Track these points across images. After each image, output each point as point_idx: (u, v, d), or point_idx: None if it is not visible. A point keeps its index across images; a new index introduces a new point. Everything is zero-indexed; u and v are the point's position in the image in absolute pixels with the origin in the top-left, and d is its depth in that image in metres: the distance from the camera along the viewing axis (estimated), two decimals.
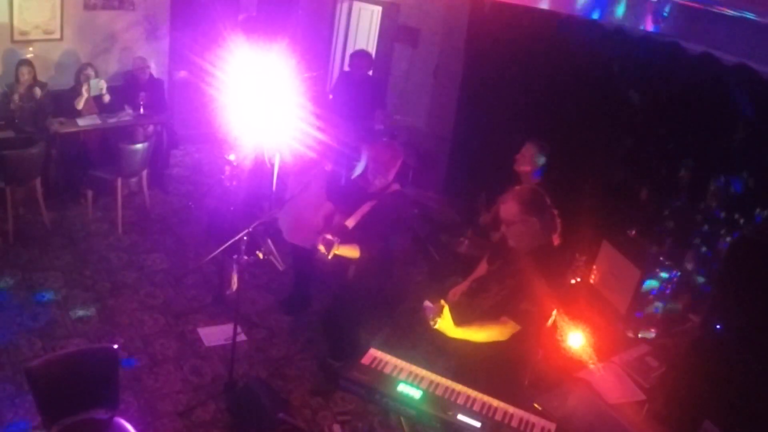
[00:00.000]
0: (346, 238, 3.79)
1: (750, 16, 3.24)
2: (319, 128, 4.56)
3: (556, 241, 3.18)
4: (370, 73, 6.91)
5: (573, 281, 4.05)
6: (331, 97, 6.87)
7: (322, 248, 3.62)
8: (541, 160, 4.39)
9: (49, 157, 5.98)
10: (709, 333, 3.19)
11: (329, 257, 3.62)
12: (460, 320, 3.03)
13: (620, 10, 4.31)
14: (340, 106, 6.23)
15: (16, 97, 6.02)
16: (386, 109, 6.85)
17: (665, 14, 3.90)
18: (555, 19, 4.96)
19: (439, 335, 3.06)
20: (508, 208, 3.08)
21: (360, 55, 6.64)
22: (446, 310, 2.95)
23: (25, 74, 6.03)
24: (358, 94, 6.46)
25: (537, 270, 3.01)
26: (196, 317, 4.97)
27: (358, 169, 4.28)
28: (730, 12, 3.32)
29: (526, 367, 3.36)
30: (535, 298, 3.00)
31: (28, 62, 6.12)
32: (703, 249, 3.92)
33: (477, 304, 3.28)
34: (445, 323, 2.96)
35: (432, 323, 2.96)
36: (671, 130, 4.25)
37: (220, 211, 5.63)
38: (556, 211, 3.14)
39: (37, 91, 6.09)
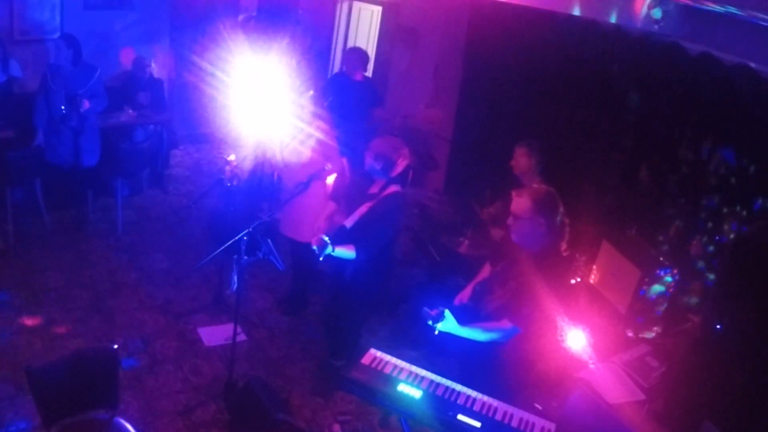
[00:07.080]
0: (343, 238, 3.78)
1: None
2: (318, 128, 4.57)
3: (563, 249, 3.19)
4: (366, 73, 6.75)
5: (573, 281, 4.05)
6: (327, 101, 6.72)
7: (315, 248, 3.62)
8: (534, 159, 4.40)
9: None
10: (709, 333, 3.19)
11: (320, 258, 3.62)
12: (463, 321, 3.07)
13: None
14: (336, 107, 5.96)
15: None
16: (384, 108, 6.74)
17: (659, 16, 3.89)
18: (555, 18, 4.95)
19: (441, 336, 3.07)
20: (521, 202, 3.11)
21: (351, 53, 6.44)
22: (448, 314, 2.99)
23: None
24: (351, 96, 6.22)
25: (539, 274, 3.03)
26: (196, 317, 4.97)
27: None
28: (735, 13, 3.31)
29: (526, 367, 3.36)
30: (537, 302, 3.02)
31: None
32: (702, 248, 3.92)
33: (481, 306, 3.29)
34: (447, 325, 2.99)
35: (433, 328, 2.99)
36: (671, 131, 4.25)
37: (220, 211, 5.62)
38: (567, 220, 3.15)
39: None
